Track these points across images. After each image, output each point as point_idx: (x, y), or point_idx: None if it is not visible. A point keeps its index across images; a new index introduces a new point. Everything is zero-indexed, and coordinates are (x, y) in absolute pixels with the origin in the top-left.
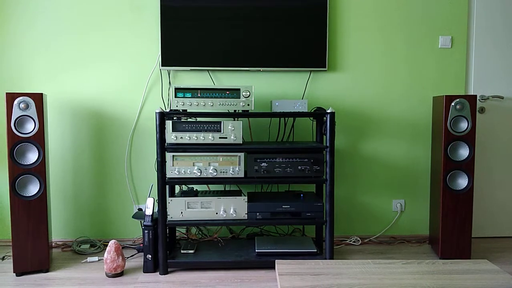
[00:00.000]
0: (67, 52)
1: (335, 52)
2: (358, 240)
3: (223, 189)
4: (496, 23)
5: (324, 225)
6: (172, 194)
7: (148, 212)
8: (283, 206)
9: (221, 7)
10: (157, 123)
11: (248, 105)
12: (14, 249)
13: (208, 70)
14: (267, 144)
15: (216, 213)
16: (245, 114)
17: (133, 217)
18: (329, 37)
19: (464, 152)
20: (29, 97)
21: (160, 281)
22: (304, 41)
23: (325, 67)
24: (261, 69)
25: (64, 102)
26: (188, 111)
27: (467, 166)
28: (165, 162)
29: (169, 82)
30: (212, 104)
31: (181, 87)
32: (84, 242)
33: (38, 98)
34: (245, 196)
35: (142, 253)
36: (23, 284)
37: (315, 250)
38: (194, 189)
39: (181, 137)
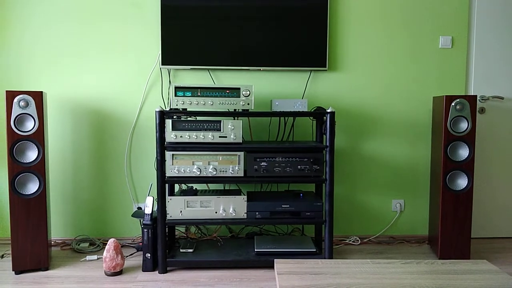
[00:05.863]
0: (67, 51)
1: (335, 51)
2: (358, 240)
3: (222, 188)
4: (497, 23)
5: (323, 224)
6: (172, 193)
7: (148, 211)
8: (282, 206)
9: (222, 6)
10: (157, 121)
11: (248, 104)
12: (13, 247)
13: (208, 69)
14: (267, 144)
15: (216, 212)
16: (245, 113)
17: (132, 215)
18: (330, 37)
19: (464, 152)
20: (29, 95)
21: (159, 279)
22: (304, 40)
23: (325, 67)
24: (261, 68)
25: (64, 100)
26: (188, 110)
27: (467, 167)
28: (165, 161)
29: (169, 81)
30: (212, 103)
31: (181, 86)
32: (83, 240)
33: (38, 96)
34: (244, 195)
35: (141, 252)
36: (22, 282)
37: (314, 250)
38: (194, 188)
39: (181, 136)
